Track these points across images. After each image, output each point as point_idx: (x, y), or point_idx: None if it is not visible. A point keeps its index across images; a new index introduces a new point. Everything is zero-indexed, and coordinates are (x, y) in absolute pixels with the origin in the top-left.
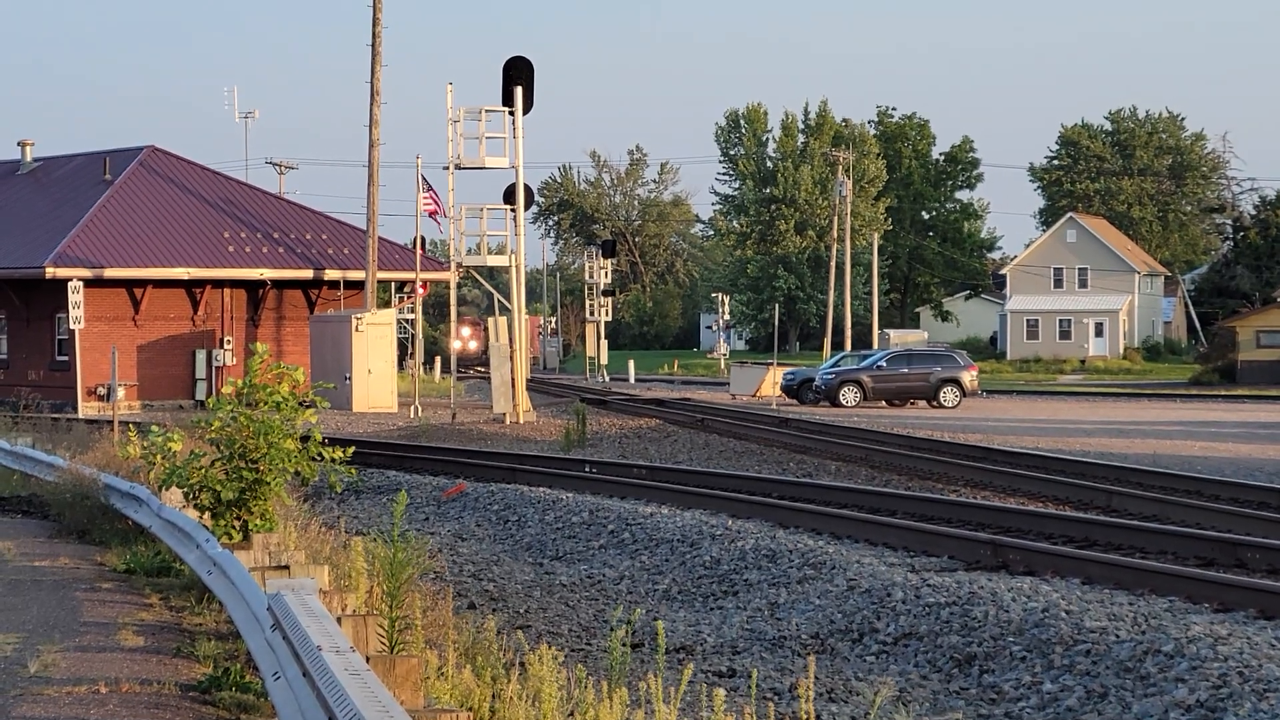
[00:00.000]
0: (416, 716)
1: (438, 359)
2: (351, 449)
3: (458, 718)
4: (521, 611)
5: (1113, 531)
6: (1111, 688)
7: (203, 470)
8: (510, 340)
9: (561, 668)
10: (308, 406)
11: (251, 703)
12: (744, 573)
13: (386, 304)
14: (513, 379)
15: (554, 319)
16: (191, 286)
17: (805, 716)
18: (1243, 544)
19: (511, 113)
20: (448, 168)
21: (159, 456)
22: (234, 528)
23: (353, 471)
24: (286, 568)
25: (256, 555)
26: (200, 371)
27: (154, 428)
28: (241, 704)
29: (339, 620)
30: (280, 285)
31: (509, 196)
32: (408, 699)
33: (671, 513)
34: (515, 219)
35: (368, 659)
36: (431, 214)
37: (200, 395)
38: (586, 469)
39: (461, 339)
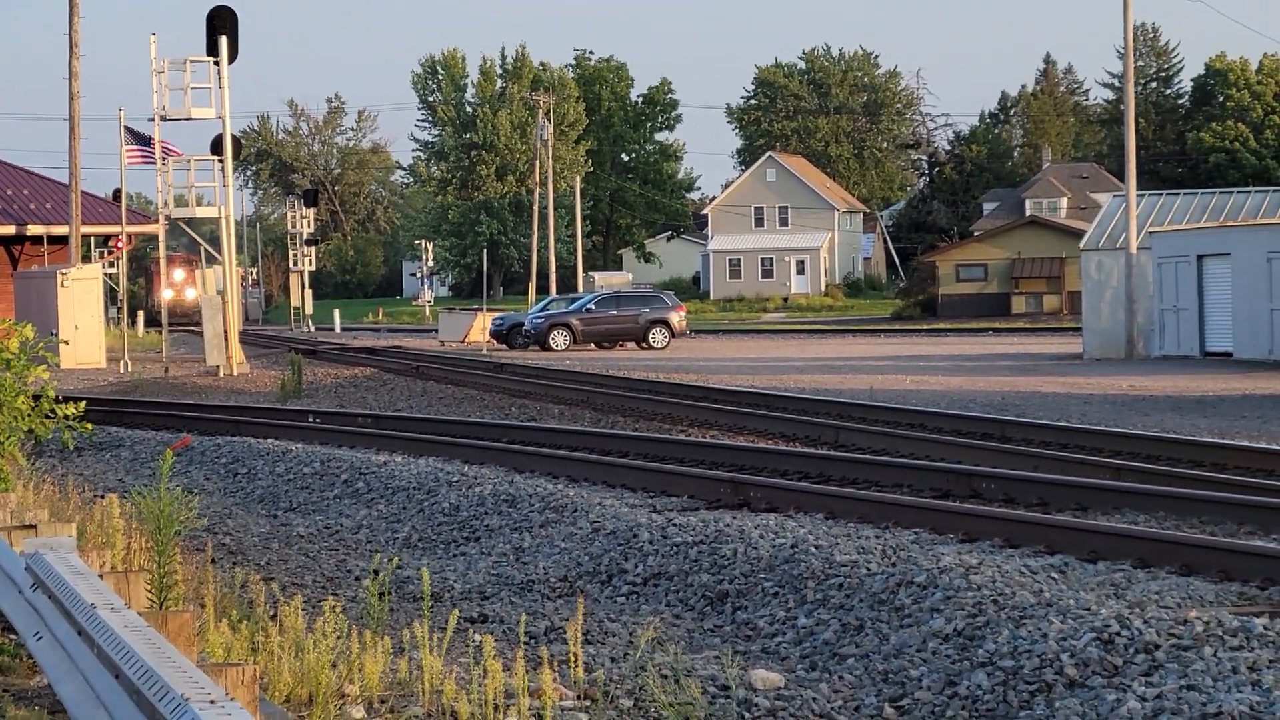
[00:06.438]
0: (206, 670)
1: (140, 313)
2: (83, 404)
3: (243, 670)
4: (262, 564)
5: (848, 466)
6: (867, 620)
7: None
8: (222, 291)
9: (320, 618)
10: (39, 363)
11: (6, 664)
12: (485, 518)
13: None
14: (225, 330)
15: (255, 269)
16: None
17: (572, 658)
18: (976, 474)
19: (217, 63)
20: (153, 119)
21: None
22: None
23: (88, 427)
24: (33, 526)
25: None
26: None
27: None
28: None
29: (101, 577)
30: None
31: (216, 147)
32: (183, 654)
33: (405, 460)
34: (224, 170)
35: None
36: (144, 162)
37: None
38: (311, 419)
39: (174, 285)
